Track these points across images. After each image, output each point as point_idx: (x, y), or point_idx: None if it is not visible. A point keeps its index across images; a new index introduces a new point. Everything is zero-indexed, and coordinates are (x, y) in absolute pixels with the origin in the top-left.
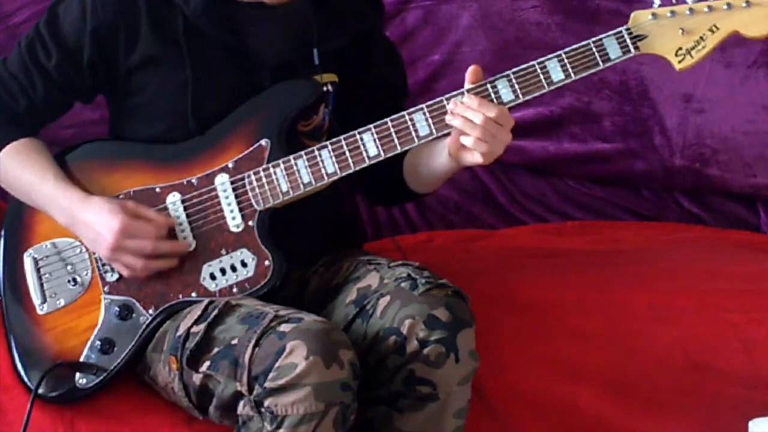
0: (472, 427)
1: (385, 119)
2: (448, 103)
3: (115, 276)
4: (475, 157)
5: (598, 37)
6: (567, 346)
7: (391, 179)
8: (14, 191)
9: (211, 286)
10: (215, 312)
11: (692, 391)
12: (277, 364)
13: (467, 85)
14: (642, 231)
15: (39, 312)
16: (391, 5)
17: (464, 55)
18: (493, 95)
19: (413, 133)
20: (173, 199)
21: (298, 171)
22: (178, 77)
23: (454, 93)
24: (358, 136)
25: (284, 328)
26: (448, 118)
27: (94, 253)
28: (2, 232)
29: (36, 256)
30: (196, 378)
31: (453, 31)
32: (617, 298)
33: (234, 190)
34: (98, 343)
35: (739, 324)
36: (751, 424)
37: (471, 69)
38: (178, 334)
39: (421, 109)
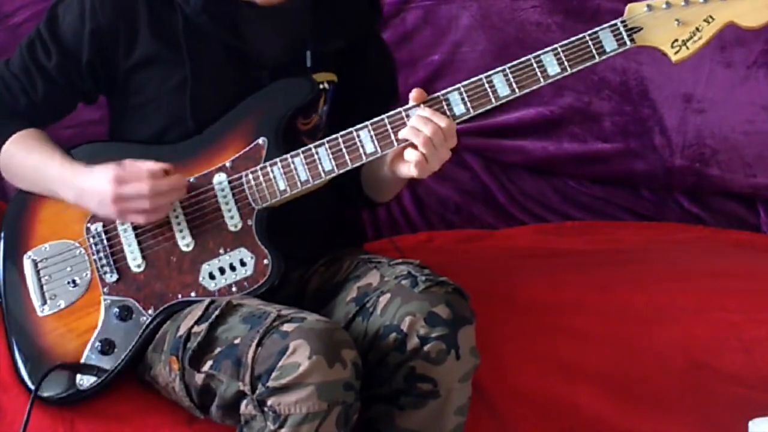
0: (472, 426)
1: (382, 116)
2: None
3: (115, 277)
4: (410, 169)
5: (593, 30)
6: (567, 345)
7: (352, 186)
8: (20, 178)
9: (211, 285)
10: (217, 312)
11: (692, 391)
12: (280, 364)
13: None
14: (642, 231)
15: (39, 314)
16: (391, 5)
17: (464, 55)
18: (446, 107)
19: None
20: None
21: (296, 169)
22: (177, 76)
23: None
24: (354, 134)
25: (287, 327)
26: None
27: (94, 254)
28: (2, 234)
29: (35, 258)
30: (198, 378)
31: (453, 31)
32: (617, 298)
33: (232, 189)
34: (98, 344)
35: (739, 324)
36: (751, 424)
37: (415, 91)
38: (179, 334)
39: (419, 106)
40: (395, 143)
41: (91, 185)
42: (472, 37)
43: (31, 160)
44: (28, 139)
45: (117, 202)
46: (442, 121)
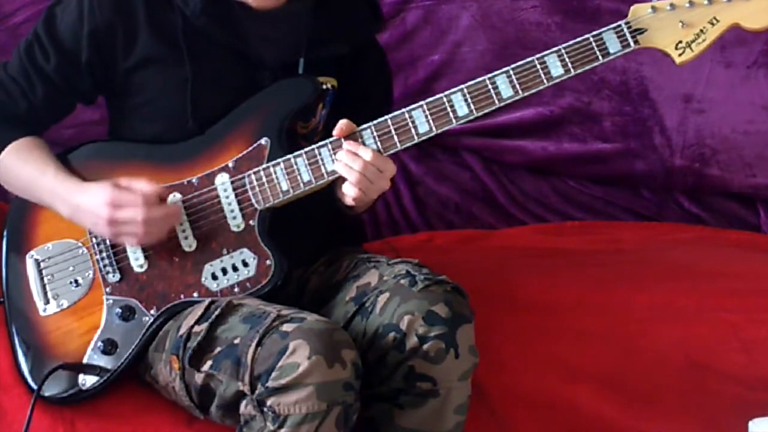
0: (471, 426)
1: (385, 117)
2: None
3: (117, 277)
4: (350, 201)
5: (597, 32)
6: (567, 345)
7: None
8: (17, 189)
9: (213, 286)
10: (217, 311)
11: (692, 391)
12: (279, 364)
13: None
14: (642, 231)
15: (42, 313)
16: (391, 5)
17: (464, 55)
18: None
19: (413, 131)
20: (174, 200)
21: (298, 170)
22: (178, 77)
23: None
24: (357, 134)
25: (287, 327)
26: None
27: (96, 254)
28: (4, 234)
29: (38, 257)
30: (198, 377)
31: (453, 31)
32: (617, 298)
33: (234, 189)
34: (101, 344)
35: (739, 324)
36: (751, 424)
37: (342, 123)
38: (180, 333)
39: (421, 106)
40: (398, 144)
41: (87, 204)
42: (472, 37)
43: (25, 172)
44: (24, 149)
45: (111, 225)
46: (367, 154)
